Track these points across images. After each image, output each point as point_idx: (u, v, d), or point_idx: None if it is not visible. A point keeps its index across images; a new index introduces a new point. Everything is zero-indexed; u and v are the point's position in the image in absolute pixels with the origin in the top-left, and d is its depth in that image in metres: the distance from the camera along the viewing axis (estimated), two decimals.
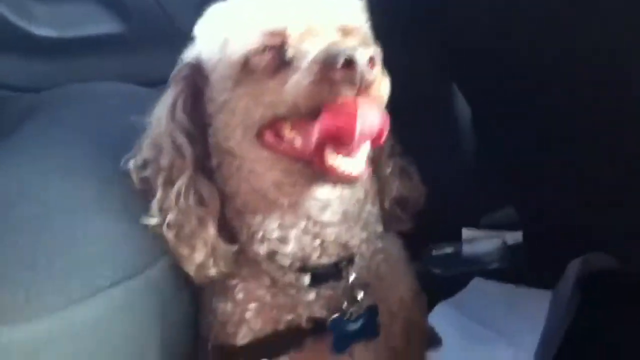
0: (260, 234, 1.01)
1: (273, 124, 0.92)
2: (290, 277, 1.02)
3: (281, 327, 1.04)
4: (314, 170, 0.89)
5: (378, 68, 0.83)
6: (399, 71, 0.90)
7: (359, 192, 1.04)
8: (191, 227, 0.99)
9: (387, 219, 1.11)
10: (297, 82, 0.86)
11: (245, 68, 0.93)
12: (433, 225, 1.23)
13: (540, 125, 1.17)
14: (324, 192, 0.98)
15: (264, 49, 0.92)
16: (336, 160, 0.85)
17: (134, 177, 1.02)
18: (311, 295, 1.03)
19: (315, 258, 1.01)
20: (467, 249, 1.55)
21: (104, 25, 1.75)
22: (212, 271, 1.01)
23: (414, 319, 1.16)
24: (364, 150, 0.88)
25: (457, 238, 1.56)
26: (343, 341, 1.04)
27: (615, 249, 1.28)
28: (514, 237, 1.55)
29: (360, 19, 1.00)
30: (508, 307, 1.48)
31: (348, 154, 0.86)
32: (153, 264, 1.00)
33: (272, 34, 0.92)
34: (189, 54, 1.03)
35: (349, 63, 0.80)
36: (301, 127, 0.89)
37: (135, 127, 1.05)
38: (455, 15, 1.22)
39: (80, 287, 0.89)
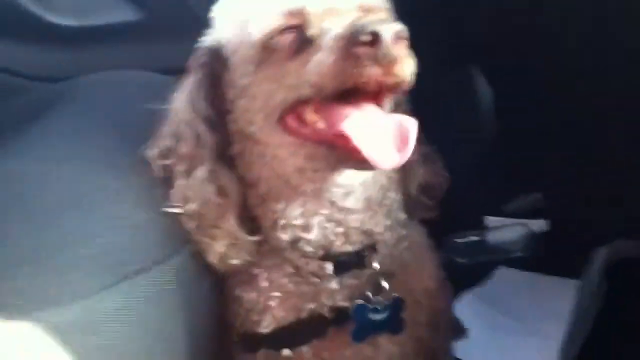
0: (283, 221, 0.99)
1: (295, 108, 0.91)
2: (314, 265, 1.01)
3: (304, 315, 1.03)
4: (338, 153, 0.87)
5: (403, 44, 0.81)
6: (420, 54, 0.88)
7: (382, 178, 1.02)
8: (212, 217, 0.98)
9: (412, 206, 1.10)
10: (320, 61, 0.84)
11: (266, 49, 0.91)
12: (456, 213, 1.21)
13: (566, 106, 1.15)
14: (347, 178, 0.96)
15: (285, 29, 0.90)
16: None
17: (155, 165, 1.01)
18: (334, 284, 1.02)
19: (338, 245, 1.00)
20: (491, 237, 1.53)
21: (122, 13, 1.75)
22: (235, 260, 1.00)
23: (440, 308, 1.14)
24: None
25: (479, 226, 1.54)
26: (364, 330, 1.03)
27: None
28: (539, 225, 1.53)
29: None
30: (532, 296, 1.46)
31: None
32: (177, 252, 1.00)
33: (292, 13, 0.90)
34: (207, 39, 1.02)
35: (374, 38, 0.78)
36: (323, 110, 0.88)
37: (155, 115, 1.04)
38: None
39: (108, 275, 0.89)
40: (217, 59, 0.99)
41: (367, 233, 1.01)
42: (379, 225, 1.02)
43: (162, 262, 0.97)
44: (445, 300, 1.18)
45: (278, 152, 0.97)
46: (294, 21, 0.90)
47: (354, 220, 1.00)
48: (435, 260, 1.16)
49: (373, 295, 1.02)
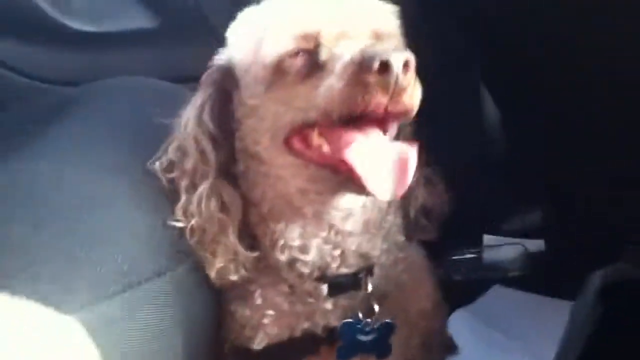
0: (281, 241, 1.01)
1: (301, 130, 0.92)
2: (309, 285, 1.02)
3: (297, 334, 1.04)
4: (341, 177, 0.88)
5: (412, 73, 0.82)
6: (426, 70, 0.88)
7: (382, 202, 1.03)
8: (213, 233, 1.00)
9: (411, 228, 1.11)
10: (329, 86, 0.85)
11: (278, 71, 0.92)
12: (455, 230, 1.22)
13: (570, 120, 1.15)
14: (347, 201, 0.98)
15: (297, 52, 0.91)
16: None
17: (161, 177, 1.03)
18: (329, 305, 1.03)
19: (334, 268, 1.01)
20: (488, 256, 1.54)
21: (139, 20, 1.76)
22: (233, 276, 1.01)
23: (434, 329, 1.16)
24: None
25: (478, 244, 1.55)
26: (349, 348, 1.04)
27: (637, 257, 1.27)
28: (536, 245, 1.53)
29: (393, 25, 0.98)
30: (527, 315, 1.46)
31: None
32: (179, 265, 1.01)
33: (306, 37, 0.91)
34: (220, 57, 1.03)
35: (384, 66, 0.79)
36: (329, 134, 0.89)
37: (166, 126, 1.05)
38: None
39: (112, 283, 0.90)
40: (229, 78, 1.01)
41: (364, 256, 1.02)
42: (375, 248, 1.03)
43: (164, 273, 0.98)
44: (440, 320, 1.20)
45: (282, 173, 0.98)
46: (306, 45, 0.91)
47: (352, 243, 1.01)
48: (432, 282, 1.17)
49: (364, 316, 1.03)
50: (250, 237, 1.03)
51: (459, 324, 1.43)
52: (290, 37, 0.91)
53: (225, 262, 1.00)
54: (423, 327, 1.12)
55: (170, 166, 1.03)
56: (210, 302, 1.10)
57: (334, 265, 1.01)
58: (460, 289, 1.51)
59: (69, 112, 1.26)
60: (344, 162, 0.86)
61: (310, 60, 0.91)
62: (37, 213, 0.95)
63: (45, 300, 0.84)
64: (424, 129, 0.97)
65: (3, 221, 0.93)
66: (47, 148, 1.13)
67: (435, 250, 1.23)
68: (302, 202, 0.98)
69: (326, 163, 0.90)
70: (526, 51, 1.10)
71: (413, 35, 1.01)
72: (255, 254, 1.02)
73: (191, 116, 1.01)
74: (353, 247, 1.01)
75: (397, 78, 0.80)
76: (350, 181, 0.86)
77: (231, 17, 1.03)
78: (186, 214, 1.00)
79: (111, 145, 1.11)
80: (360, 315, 1.03)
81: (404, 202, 1.09)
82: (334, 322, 1.03)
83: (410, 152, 0.86)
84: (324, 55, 0.89)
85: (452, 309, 1.44)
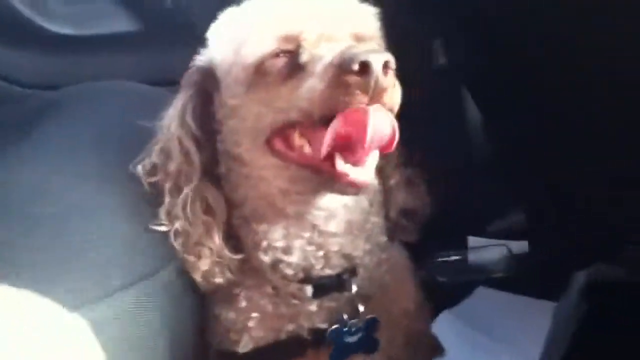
0: (265, 242, 1.01)
1: (283, 131, 0.92)
2: (293, 287, 1.02)
3: (282, 336, 1.04)
4: (322, 177, 0.89)
5: (392, 75, 0.83)
6: (408, 71, 0.90)
7: (363, 202, 1.04)
8: (197, 235, 1.00)
9: (392, 229, 1.11)
10: (311, 87, 0.85)
11: (259, 72, 0.92)
12: (438, 232, 1.22)
13: (556, 119, 1.16)
14: (329, 201, 0.98)
15: (278, 53, 0.92)
16: (345, 167, 0.85)
17: (143, 181, 1.03)
18: (313, 306, 1.03)
19: (318, 269, 1.01)
20: (472, 257, 1.54)
21: (120, 23, 1.76)
22: (218, 279, 1.01)
23: (418, 329, 1.16)
24: (373, 158, 0.88)
25: (462, 246, 1.55)
26: (341, 352, 1.05)
27: (623, 258, 1.28)
28: (520, 246, 1.54)
29: (373, 27, 0.99)
30: (512, 317, 1.47)
31: (357, 162, 0.86)
32: (163, 268, 1.01)
33: (287, 38, 0.91)
34: (201, 58, 1.03)
35: (364, 67, 0.79)
36: (311, 134, 0.89)
37: (150, 129, 1.05)
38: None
39: (94, 289, 0.90)
40: (209, 79, 1.01)
41: (347, 257, 1.02)
42: (358, 249, 1.03)
43: (147, 277, 0.98)
44: (424, 321, 1.20)
45: (263, 174, 0.98)
46: (287, 46, 0.91)
47: (335, 244, 1.01)
48: (415, 282, 1.18)
49: (350, 317, 1.03)
50: (233, 239, 1.03)
51: (444, 326, 1.44)
52: (272, 38, 0.92)
53: (210, 265, 1.00)
54: (406, 327, 1.12)
55: (153, 169, 1.03)
56: (195, 306, 1.09)
57: (318, 266, 1.01)
58: (445, 290, 1.52)
59: (50, 116, 1.26)
60: (325, 162, 0.86)
61: (291, 62, 0.91)
62: (21, 222, 0.95)
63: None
64: (407, 131, 0.97)
65: None
66: (29, 155, 1.13)
67: (420, 252, 1.24)
68: (284, 202, 0.98)
69: (307, 163, 0.91)
70: (526, 51, 1.11)
71: (394, 37, 1.01)
72: (240, 256, 1.02)
73: (173, 118, 1.01)
74: (336, 248, 1.01)
75: (377, 79, 0.80)
76: (331, 181, 0.87)
77: (213, 18, 1.03)
78: (170, 217, 1.00)
79: (95, 150, 1.11)
80: (345, 316, 1.03)
81: (386, 203, 1.10)
82: (319, 324, 1.03)
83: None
84: (304, 56, 0.90)
85: (437, 311, 1.45)
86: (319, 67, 0.86)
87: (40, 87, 1.74)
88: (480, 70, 1.36)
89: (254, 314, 1.04)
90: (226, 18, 1.01)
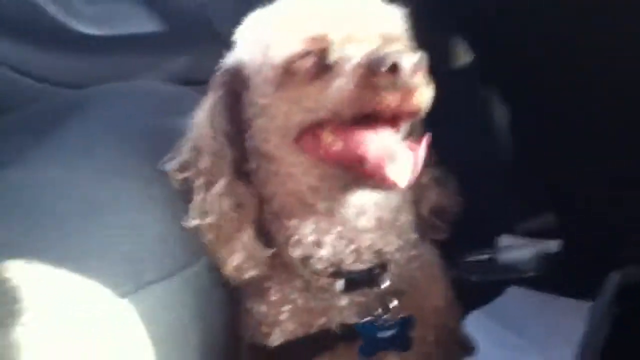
0: (295, 237, 1.02)
1: (311, 129, 0.93)
2: (324, 281, 1.03)
3: (313, 330, 1.05)
4: (353, 175, 0.89)
5: (422, 74, 0.83)
6: (435, 72, 0.90)
7: (394, 199, 1.04)
8: (229, 230, 1.01)
9: (423, 227, 1.11)
10: (339, 87, 0.86)
11: (287, 72, 0.94)
12: (469, 231, 1.22)
13: (581, 123, 1.15)
14: (360, 198, 0.98)
15: (306, 53, 0.93)
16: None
17: (173, 178, 1.05)
18: (344, 301, 1.03)
19: (349, 263, 1.02)
20: (503, 256, 1.53)
21: (145, 24, 1.79)
22: (249, 273, 1.02)
23: (449, 327, 1.16)
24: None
25: (493, 245, 1.54)
26: (371, 346, 1.05)
27: None
28: (552, 245, 1.52)
29: (400, 28, 1.00)
30: (544, 317, 1.45)
31: None
32: (193, 263, 1.03)
33: (315, 39, 0.92)
34: (229, 59, 1.05)
35: (394, 68, 0.80)
36: (340, 132, 0.90)
37: (176, 128, 1.07)
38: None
39: (124, 284, 0.91)
40: (238, 79, 1.02)
41: (378, 252, 1.03)
42: (390, 245, 1.04)
43: (177, 273, 1.00)
44: (454, 319, 1.19)
45: (293, 171, 0.99)
46: (315, 47, 0.92)
47: (366, 240, 1.01)
48: (445, 280, 1.18)
49: (382, 313, 1.04)
50: (264, 234, 1.04)
51: (475, 326, 1.43)
52: (299, 39, 0.93)
53: (241, 260, 1.01)
54: (437, 325, 1.12)
55: (184, 166, 1.05)
56: (225, 301, 1.11)
57: (349, 261, 1.01)
58: (475, 290, 1.50)
59: (75, 115, 1.28)
60: (356, 159, 0.87)
61: (319, 62, 0.92)
62: (48, 218, 0.96)
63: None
64: (434, 130, 0.97)
65: (6, 223, 0.93)
66: (54, 152, 1.15)
67: (450, 252, 1.23)
68: (314, 199, 0.99)
69: (337, 161, 0.91)
70: (526, 51, 1.10)
71: (421, 38, 1.01)
72: (271, 251, 1.03)
73: (204, 117, 1.03)
74: (367, 243, 1.02)
75: (406, 80, 0.81)
76: (362, 178, 0.88)
77: (235, 21, 1.05)
78: (201, 212, 1.02)
79: (119, 148, 1.13)
80: (378, 311, 1.03)
81: (416, 201, 1.10)
82: (350, 319, 1.04)
83: (420, 148, 0.88)
84: (332, 57, 0.91)
85: (468, 310, 1.44)
86: (347, 68, 0.86)
87: (65, 85, 1.78)
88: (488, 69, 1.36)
89: (285, 308, 1.05)
90: (253, 20, 1.02)
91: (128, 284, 0.92)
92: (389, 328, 1.04)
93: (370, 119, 0.87)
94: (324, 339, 1.04)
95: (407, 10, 1.01)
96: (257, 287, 1.07)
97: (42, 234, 0.92)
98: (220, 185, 1.01)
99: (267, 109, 0.97)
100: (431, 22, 1.26)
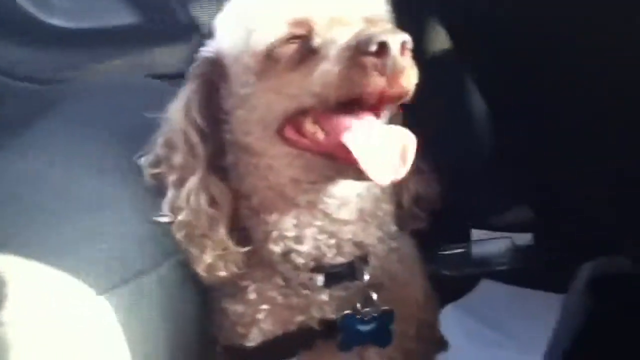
0: (275, 233, 0.99)
1: (294, 119, 0.90)
2: (304, 277, 1.00)
3: (292, 328, 1.02)
4: (337, 164, 0.87)
5: (409, 55, 0.81)
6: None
7: (376, 189, 1.02)
8: (202, 228, 0.98)
9: (403, 217, 1.10)
10: (326, 70, 0.84)
11: (270, 59, 0.91)
12: (443, 225, 1.21)
13: (558, 117, 1.15)
14: (342, 189, 0.96)
15: (289, 38, 0.90)
16: None
17: (146, 173, 1.02)
18: (324, 296, 1.01)
19: (330, 257, 0.99)
20: (476, 250, 1.54)
21: (121, 16, 1.74)
22: (222, 272, 0.99)
23: (427, 320, 1.15)
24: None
25: (466, 239, 1.55)
26: (351, 340, 1.03)
27: (627, 251, 1.27)
28: (524, 238, 1.54)
29: (383, 10, 0.97)
30: (517, 310, 1.46)
31: None
32: (164, 262, 0.99)
33: (298, 23, 0.90)
34: (208, 48, 1.02)
35: (382, 48, 0.78)
36: (324, 120, 0.88)
37: (152, 123, 1.04)
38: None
39: (93, 284, 0.88)
40: (216, 69, 0.99)
41: (359, 245, 1.01)
42: (370, 237, 1.02)
43: (147, 272, 0.96)
44: (433, 312, 1.19)
45: (274, 163, 0.96)
46: (299, 31, 0.89)
47: (347, 232, 0.99)
48: (424, 273, 1.16)
49: (362, 307, 1.02)
50: (240, 231, 1.01)
51: (449, 319, 1.43)
52: (282, 23, 0.90)
53: (214, 258, 0.98)
54: (416, 318, 1.11)
55: (157, 161, 1.02)
56: (199, 301, 1.08)
57: (330, 254, 0.99)
58: (449, 283, 1.51)
59: (53, 111, 1.26)
60: (340, 148, 0.85)
61: (303, 47, 0.89)
62: (21, 212, 0.94)
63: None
64: (412, 122, 0.96)
65: None
66: (31, 147, 1.13)
67: (423, 245, 1.22)
68: (295, 192, 0.96)
69: (321, 151, 0.89)
70: (525, 51, 1.10)
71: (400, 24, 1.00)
72: (246, 248, 1.00)
73: (179, 110, 1.00)
74: (348, 236, 0.99)
75: (394, 60, 0.78)
76: (347, 167, 0.85)
77: (214, 11, 1.02)
78: (173, 209, 0.99)
79: (96, 144, 1.10)
80: (358, 305, 1.01)
81: (397, 191, 1.08)
82: (330, 314, 1.02)
83: (410, 136, 0.86)
84: (317, 41, 0.88)
85: (441, 304, 1.44)
86: (333, 50, 0.84)
87: (41, 81, 1.73)
88: (484, 66, 1.36)
89: (264, 306, 1.02)
90: (233, 7, 0.99)
91: (102, 282, 0.89)
92: (369, 322, 1.02)
93: (354, 105, 0.85)
94: (303, 337, 1.02)
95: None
96: (232, 287, 1.04)
97: (16, 228, 0.91)
98: (193, 181, 0.98)
99: (248, 100, 0.94)
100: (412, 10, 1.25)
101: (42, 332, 0.80)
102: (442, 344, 1.30)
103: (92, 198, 0.99)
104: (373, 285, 1.02)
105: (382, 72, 0.79)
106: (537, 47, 1.06)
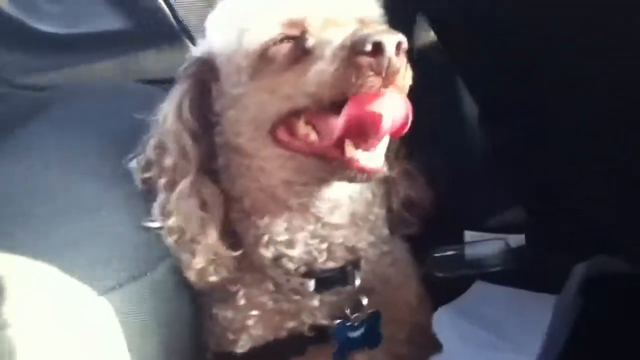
0: (266, 237, 0.98)
1: (286, 120, 0.89)
2: (295, 282, 0.99)
3: (283, 334, 1.02)
4: (331, 165, 0.86)
5: (404, 56, 0.81)
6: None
7: (367, 193, 1.02)
8: (193, 232, 0.97)
9: (394, 221, 1.09)
10: (321, 70, 0.83)
11: (263, 59, 0.90)
12: (436, 226, 1.21)
13: (558, 117, 1.15)
14: (334, 192, 0.96)
15: (283, 39, 0.89)
16: (356, 153, 0.83)
17: (137, 177, 1.01)
18: (315, 301, 1.01)
19: (321, 262, 0.99)
20: (469, 251, 1.53)
21: (110, 21, 1.72)
22: (213, 277, 0.98)
23: (421, 324, 1.13)
24: (384, 143, 0.86)
25: (459, 241, 1.54)
26: (344, 348, 1.03)
27: (624, 252, 1.27)
28: (517, 239, 1.53)
29: (376, 12, 0.97)
30: (511, 311, 1.45)
31: (368, 148, 0.83)
32: (155, 267, 0.98)
33: (291, 23, 0.89)
34: (198, 49, 1.01)
35: (377, 48, 0.77)
36: (317, 121, 0.87)
37: (140, 126, 1.02)
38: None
39: (89, 287, 0.88)
40: (207, 69, 0.98)
41: (351, 249, 1.00)
42: (362, 241, 1.01)
43: (138, 277, 0.95)
44: (426, 316, 1.17)
45: (266, 165, 0.95)
46: (292, 31, 0.89)
47: (339, 236, 0.99)
48: (417, 276, 1.16)
49: (352, 312, 1.01)
50: (231, 235, 1.00)
51: (442, 321, 1.42)
52: (276, 23, 0.89)
53: (205, 263, 0.97)
54: (409, 323, 1.11)
55: (148, 165, 1.00)
56: (190, 307, 1.07)
57: (321, 259, 0.99)
58: (442, 285, 1.50)
59: (36, 116, 1.24)
60: (333, 149, 0.84)
61: (297, 47, 0.88)
62: (9, 218, 0.93)
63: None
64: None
65: None
66: (25, 150, 1.12)
67: (417, 247, 1.21)
68: (287, 194, 0.96)
69: (314, 152, 0.88)
70: (525, 51, 1.09)
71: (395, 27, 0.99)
72: (237, 253, 0.99)
73: (170, 111, 0.98)
74: (340, 240, 0.99)
75: (390, 60, 0.78)
76: (341, 168, 0.85)
77: (202, 15, 1.01)
78: (164, 213, 0.98)
79: (85, 149, 1.09)
80: (348, 311, 1.01)
81: (387, 195, 1.08)
82: (321, 320, 1.01)
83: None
84: (311, 41, 0.87)
85: (435, 305, 1.43)
86: (328, 50, 0.83)
87: (30, 87, 1.71)
88: (479, 66, 1.35)
89: (254, 312, 1.01)
90: (225, 6, 0.98)
91: (100, 284, 0.89)
92: (359, 327, 1.02)
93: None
94: (293, 343, 1.01)
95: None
96: (223, 292, 1.03)
97: (12, 228, 0.91)
98: (184, 184, 0.97)
99: (240, 100, 0.93)
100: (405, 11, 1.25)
101: (44, 333, 0.80)
102: (435, 348, 1.30)
103: (85, 200, 0.98)
104: (364, 289, 1.02)
105: (377, 72, 0.78)
106: (537, 47, 1.05)
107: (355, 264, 1.01)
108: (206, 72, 0.98)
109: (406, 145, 1.10)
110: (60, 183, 1.00)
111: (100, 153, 1.07)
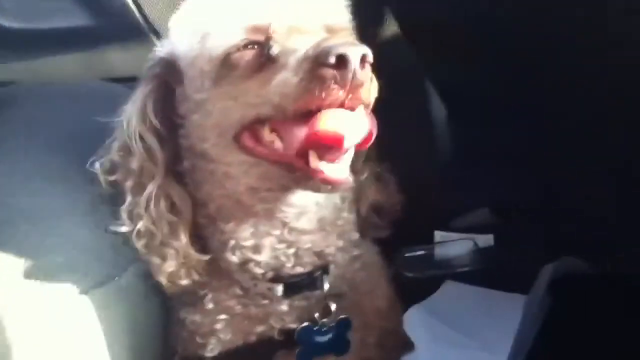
0: (232, 242, 0.97)
1: (251, 126, 0.87)
2: (263, 287, 0.98)
3: (252, 338, 1.01)
4: (295, 174, 0.85)
5: (369, 68, 0.79)
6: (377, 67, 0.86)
7: (335, 198, 1.01)
8: (162, 236, 0.95)
9: (363, 225, 1.08)
10: (284, 81, 0.81)
11: (226, 65, 0.88)
12: (405, 227, 1.21)
13: (558, 117, 1.15)
14: (301, 198, 0.94)
15: (247, 44, 0.87)
16: (320, 165, 0.82)
17: (102, 180, 0.98)
18: (284, 306, 1.00)
19: (289, 267, 0.98)
20: (438, 252, 1.53)
21: (74, 18, 1.68)
22: (184, 281, 0.97)
23: (390, 328, 1.13)
24: (349, 155, 0.85)
25: (429, 241, 1.54)
26: (310, 352, 1.02)
27: (589, 253, 1.28)
28: (485, 240, 1.54)
29: (345, 19, 0.95)
30: (480, 310, 1.46)
31: (332, 160, 0.82)
32: (122, 272, 0.97)
33: (256, 29, 0.87)
34: (162, 49, 0.98)
35: (341, 61, 0.76)
36: (282, 129, 0.85)
37: (106, 128, 1.00)
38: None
39: (48, 297, 0.87)
40: (171, 71, 0.96)
41: (319, 254, 0.99)
42: (331, 246, 1.00)
43: (106, 283, 0.94)
44: (396, 320, 1.17)
45: (230, 171, 0.94)
46: (257, 37, 0.87)
47: (306, 242, 0.98)
48: (387, 280, 1.16)
49: (321, 317, 1.01)
50: (199, 239, 0.99)
51: (413, 320, 1.42)
52: (239, 28, 0.87)
53: (176, 267, 0.96)
54: (378, 327, 1.10)
55: (113, 167, 0.98)
56: (158, 311, 1.06)
57: (289, 264, 0.97)
58: (412, 285, 1.50)
59: (4, 117, 1.20)
60: (298, 159, 0.83)
61: (261, 54, 0.86)
62: None
63: None
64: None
65: None
66: None
67: (387, 248, 1.22)
68: (253, 200, 0.94)
69: (279, 160, 0.87)
70: (525, 51, 1.10)
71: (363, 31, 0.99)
72: (207, 256, 0.98)
73: (134, 112, 0.96)
74: (308, 246, 0.98)
75: (354, 73, 0.76)
76: (305, 178, 0.83)
77: (169, 12, 0.98)
78: (132, 216, 0.96)
79: (48, 152, 1.06)
80: (317, 315, 1.00)
81: (356, 199, 1.07)
82: (290, 324, 1.00)
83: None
84: (275, 49, 0.85)
85: (405, 305, 1.43)
86: (292, 60, 0.81)
87: None
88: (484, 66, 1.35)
89: (222, 316, 1.00)
90: (189, 7, 0.96)
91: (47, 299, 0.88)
92: (327, 332, 1.01)
93: (313, 115, 0.82)
94: (263, 347, 1.01)
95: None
96: (191, 296, 1.02)
97: None
98: (152, 187, 0.95)
99: (203, 105, 0.91)
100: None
101: (28, 331, 0.81)
102: (406, 347, 1.30)
103: (50, 206, 0.96)
104: (333, 294, 1.01)
105: (341, 85, 0.77)
106: (537, 47, 1.05)
107: (324, 268, 1.00)
108: (170, 74, 0.96)
109: (376, 149, 1.09)
110: (18, 189, 0.97)
111: (65, 157, 1.04)
